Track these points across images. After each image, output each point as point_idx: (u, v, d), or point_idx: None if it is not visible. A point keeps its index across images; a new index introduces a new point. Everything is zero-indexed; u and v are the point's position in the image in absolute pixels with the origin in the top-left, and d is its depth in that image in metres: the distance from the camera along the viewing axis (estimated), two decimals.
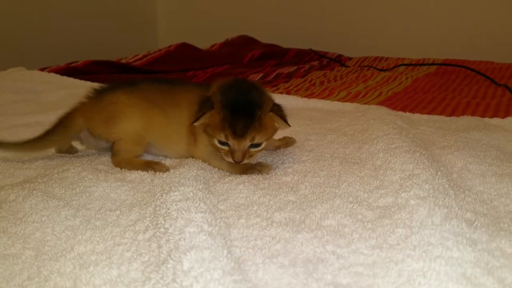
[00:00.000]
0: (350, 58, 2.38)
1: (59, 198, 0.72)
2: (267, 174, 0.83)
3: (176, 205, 0.64)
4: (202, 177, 0.78)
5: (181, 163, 0.85)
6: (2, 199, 0.72)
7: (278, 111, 0.83)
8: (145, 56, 2.21)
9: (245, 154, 0.81)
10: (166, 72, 2.06)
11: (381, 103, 1.42)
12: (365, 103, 1.43)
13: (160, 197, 0.70)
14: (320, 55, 2.43)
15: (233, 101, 0.79)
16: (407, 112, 1.26)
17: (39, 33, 2.48)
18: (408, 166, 0.77)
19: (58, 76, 1.70)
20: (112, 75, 1.90)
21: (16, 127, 1.14)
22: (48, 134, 0.90)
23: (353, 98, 1.53)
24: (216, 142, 0.81)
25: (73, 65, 1.91)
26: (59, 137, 0.91)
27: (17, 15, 2.40)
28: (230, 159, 0.81)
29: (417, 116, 1.21)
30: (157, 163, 0.86)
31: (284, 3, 2.85)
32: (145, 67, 2.10)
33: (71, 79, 1.68)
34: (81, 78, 1.73)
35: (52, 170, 0.85)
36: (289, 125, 0.83)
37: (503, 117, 1.19)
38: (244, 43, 2.62)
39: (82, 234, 0.61)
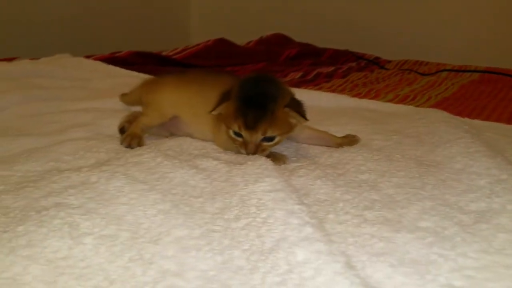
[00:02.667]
0: (389, 61, 2.35)
1: (142, 182, 0.71)
2: (281, 165, 0.83)
3: (268, 195, 0.63)
4: (278, 170, 0.77)
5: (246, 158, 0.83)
6: (83, 181, 0.71)
7: (296, 106, 0.83)
8: (184, 49, 2.20)
9: (258, 147, 0.82)
10: (204, 67, 2.05)
11: (432, 108, 1.40)
12: (416, 107, 1.41)
13: (244, 187, 0.69)
14: (357, 56, 2.41)
15: (247, 92, 0.82)
16: (465, 118, 1.24)
17: (73, 23, 2.50)
18: (493, 171, 0.76)
19: (104, 65, 1.70)
20: (153, 67, 1.90)
21: (75, 112, 1.14)
22: (128, 94, 1.17)
23: (402, 100, 1.51)
24: (231, 133, 0.84)
25: (116, 54, 1.91)
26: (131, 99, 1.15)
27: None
28: (243, 151, 0.84)
29: (478, 122, 1.19)
30: (135, 139, 0.92)
31: (320, 2, 2.84)
32: (184, 60, 2.10)
33: (117, 68, 1.68)
34: (124, 68, 1.73)
35: (124, 154, 0.85)
36: (306, 119, 0.83)
37: None
38: (279, 41, 2.61)
39: (176, 219, 0.61)
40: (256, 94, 0.82)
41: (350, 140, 0.98)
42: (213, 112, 0.85)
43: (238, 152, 0.87)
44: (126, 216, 0.61)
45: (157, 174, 0.75)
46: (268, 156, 0.84)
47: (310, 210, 0.64)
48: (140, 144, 0.93)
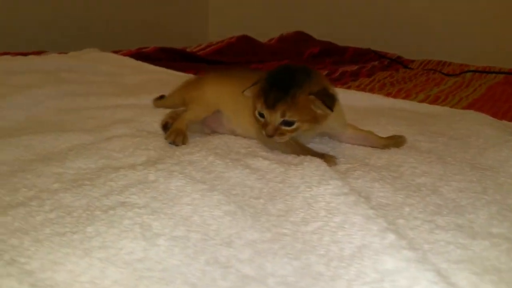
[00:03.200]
0: (412, 61, 2.33)
1: (201, 181, 0.70)
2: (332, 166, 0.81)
3: (338, 198, 0.62)
4: (335, 172, 0.76)
5: (303, 159, 0.82)
6: (141, 179, 0.70)
7: (323, 96, 0.82)
8: (208, 46, 2.19)
9: (277, 129, 0.82)
10: (229, 63, 2.04)
11: (465, 109, 1.39)
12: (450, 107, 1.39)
13: (307, 189, 0.68)
14: (379, 55, 2.39)
15: (273, 75, 0.85)
16: (503, 120, 1.22)
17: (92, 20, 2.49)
18: None
19: (132, 60, 1.69)
20: (179, 63, 1.89)
21: (113, 108, 1.13)
22: (166, 98, 1.18)
23: (434, 101, 1.50)
24: (256, 113, 0.85)
25: (143, 50, 1.90)
26: (171, 102, 1.14)
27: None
28: (264, 133, 0.84)
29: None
30: (180, 135, 0.91)
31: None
32: (208, 57, 2.09)
33: (145, 64, 1.68)
34: (151, 64, 1.73)
35: (174, 152, 0.84)
36: (331, 110, 0.82)
37: None
38: (300, 38, 2.59)
39: (244, 221, 0.60)
40: (281, 77, 0.84)
41: (396, 141, 0.96)
42: (244, 93, 0.88)
43: (263, 139, 0.88)
44: (192, 216, 0.60)
45: (212, 173, 0.74)
46: (320, 156, 0.83)
47: (378, 215, 0.62)
48: (184, 141, 0.92)
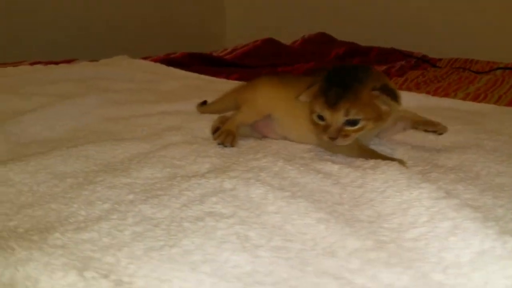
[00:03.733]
0: (439, 59, 2.30)
1: (280, 188, 0.67)
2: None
3: (440, 202, 0.59)
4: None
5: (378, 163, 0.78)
6: (217, 188, 0.68)
7: (388, 90, 0.78)
8: (233, 50, 2.17)
9: (340, 130, 0.77)
10: (255, 67, 2.02)
11: (508, 106, 1.36)
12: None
13: (396, 194, 0.64)
14: (404, 54, 2.35)
15: (333, 73, 0.81)
16: None
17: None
18: None
19: (163, 66, 1.68)
20: (209, 67, 1.87)
21: (160, 115, 1.10)
22: (215, 102, 1.14)
23: (474, 99, 1.46)
24: (315, 117, 0.80)
25: (171, 56, 1.88)
26: (221, 106, 1.11)
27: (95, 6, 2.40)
28: (324, 137, 0.79)
29: None
30: (229, 136, 0.90)
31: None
32: (235, 60, 2.07)
33: (176, 70, 1.66)
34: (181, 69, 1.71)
35: (237, 158, 0.81)
36: (400, 104, 0.79)
37: None
38: (323, 40, 2.56)
39: (341, 229, 0.57)
40: (340, 76, 0.80)
41: (434, 125, 0.88)
42: (300, 97, 0.84)
43: (323, 144, 0.84)
44: (284, 225, 0.58)
45: (287, 179, 0.71)
46: (392, 159, 0.80)
47: None
48: (233, 143, 0.90)
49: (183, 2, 2.89)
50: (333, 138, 0.78)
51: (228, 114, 1.03)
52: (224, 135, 0.91)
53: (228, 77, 1.74)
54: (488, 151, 0.88)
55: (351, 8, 2.83)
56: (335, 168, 0.77)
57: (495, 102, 1.44)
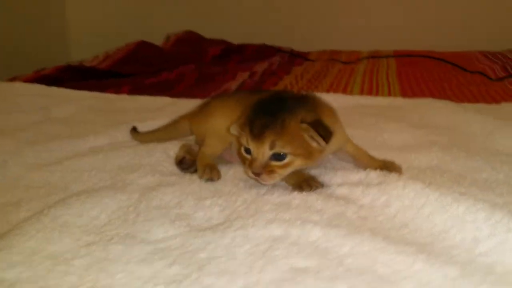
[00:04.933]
0: (307, 52, 2.43)
1: (337, 225, 0.63)
2: (318, 189, 0.75)
3: (494, 214, 0.62)
4: None
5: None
6: (267, 236, 0.61)
7: (318, 126, 0.71)
8: (106, 58, 1.97)
9: (266, 166, 0.71)
10: (134, 75, 1.86)
11: (403, 95, 1.51)
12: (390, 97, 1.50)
13: (441, 210, 0.66)
14: (276, 50, 2.43)
15: (261, 102, 0.75)
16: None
17: None
18: None
19: (47, 88, 1.42)
20: (88, 81, 1.66)
21: (95, 152, 0.95)
22: (162, 128, 1.03)
23: (370, 92, 1.58)
24: (242, 149, 0.75)
25: (42, 73, 1.61)
26: (170, 133, 1.02)
27: None
28: (248, 173, 0.73)
29: (466, 105, 1.31)
30: (214, 170, 0.83)
31: None
32: (112, 69, 1.87)
33: (66, 90, 1.43)
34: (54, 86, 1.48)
35: (253, 199, 0.73)
36: (325, 142, 0.71)
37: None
38: (193, 39, 2.49)
39: (387, 252, 0.57)
40: (269, 104, 0.73)
41: (392, 167, 0.82)
42: (231, 130, 0.77)
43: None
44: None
45: (325, 214, 0.67)
46: (307, 180, 0.76)
47: None
48: (219, 175, 0.83)
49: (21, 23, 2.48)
50: (257, 174, 0.71)
51: (187, 142, 0.95)
52: (209, 170, 0.83)
53: (119, 90, 1.57)
54: (446, 147, 0.95)
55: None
56: (343, 191, 0.75)
57: (388, 92, 1.59)
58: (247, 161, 0.73)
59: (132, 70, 1.90)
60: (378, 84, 1.69)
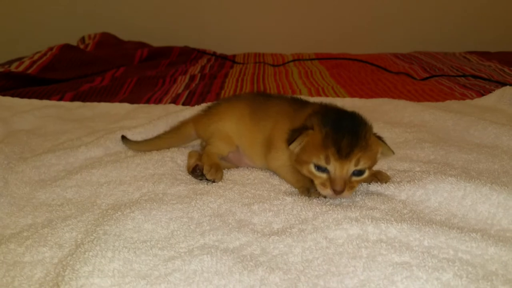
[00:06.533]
0: (233, 55, 2.43)
1: (402, 220, 0.67)
2: (318, 197, 0.76)
3: None
4: None
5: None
6: (361, 236, 0.63)
7: (380, 137, 0.76)
8: (32, 62, 1.76)
9: (346, 182, 0.70)
10: (63, 80, 1.71)
11: (350, 96, 1.60)
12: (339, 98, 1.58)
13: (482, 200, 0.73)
14: (202, 52, 2.39)
15: (337, 118, 0.73)
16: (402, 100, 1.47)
17: None
18: None
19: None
20: (26, 89, 1.48)
21: (87, 169, 0.87)
22: (163, 136, 0.98)
23: (318, 93, 1.64)
24: (312, 168, 0.72)
25: None
26: (173, 140, 0.98)
27: None
28: (326, 191, 0.71)
29: (421, 103, 1.45)
30: (218, 171, 0.84)
31: None
32: (39, 74, 1.69)
33: (13, 99, 1.27)
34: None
35: (303, 207, 0.73)
36: (393, 152, 0.76)
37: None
38: (111, 41, 2.35)
39: (461, 240, 0.63)
40: (346, 119, 0.72)
41: (382, 177, 0.84)
42: (291, 147, 0.73)
43: (293, 174, 0.79)
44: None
45: (398, 214, 0.70)
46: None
47: None
48: (222, 177, 0.85)
49: None
50: (339, 192, 0.70)
51: (194, 150, 0.94)
52: (214, 170, 0.83)
53: (63, 98, 1.44)
54: (435, 142, 1.04)
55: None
56: (376, 187, 0.80)
57: (334, 93, 1.67)
58: (319, 179, 0.71)
59: (59, 77, 1.74)
60: (323, 86, 1.75)
